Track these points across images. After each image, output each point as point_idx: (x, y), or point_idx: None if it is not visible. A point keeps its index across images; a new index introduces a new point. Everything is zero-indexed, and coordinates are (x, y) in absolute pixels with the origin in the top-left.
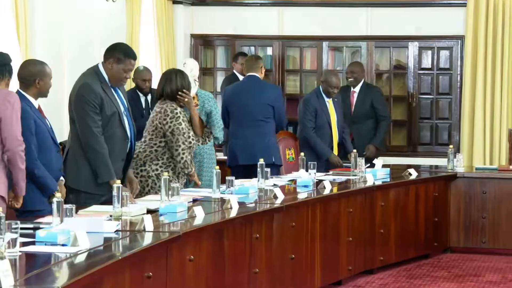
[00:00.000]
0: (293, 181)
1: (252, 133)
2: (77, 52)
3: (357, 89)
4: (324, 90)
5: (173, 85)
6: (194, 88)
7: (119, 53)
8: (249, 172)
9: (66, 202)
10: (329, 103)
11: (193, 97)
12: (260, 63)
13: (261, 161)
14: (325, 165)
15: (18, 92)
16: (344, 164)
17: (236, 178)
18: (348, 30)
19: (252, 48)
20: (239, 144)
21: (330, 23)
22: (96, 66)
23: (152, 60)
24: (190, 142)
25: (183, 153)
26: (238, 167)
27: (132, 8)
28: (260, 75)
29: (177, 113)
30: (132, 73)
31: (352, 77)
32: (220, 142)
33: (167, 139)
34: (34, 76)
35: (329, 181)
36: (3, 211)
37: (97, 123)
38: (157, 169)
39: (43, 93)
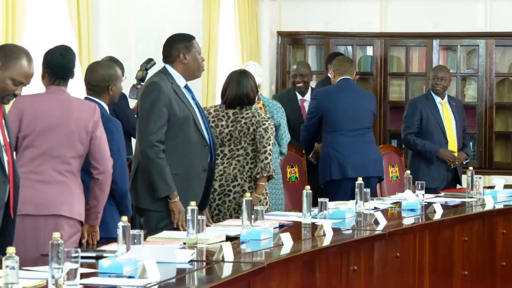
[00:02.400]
0: (397, 203)
1: (360, 143)
2: (145, 53)
3: (307, 97)
4: (430, 86)
5: (248, 87)
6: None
7: (182, 41)
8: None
9: (134, 226)
10: (443, 105)
11: (260, 107)
12: (354, 67)
13: (360, 180)
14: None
15: (88, 99)
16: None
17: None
18: (463, 26)
19: (349, 48)
20: (344, 154)
21: (442, 18)
22: (163, 68)
23: (233, 62)
24: None
25: (270, 154)
26: (343, 181)
27: (209, 2)
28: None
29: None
30: None
31: (302, 81)
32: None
33: (258, 135)
34: (107, 82)
35: (440, 204)
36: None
37: (156, 128)
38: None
39: (114, 98)
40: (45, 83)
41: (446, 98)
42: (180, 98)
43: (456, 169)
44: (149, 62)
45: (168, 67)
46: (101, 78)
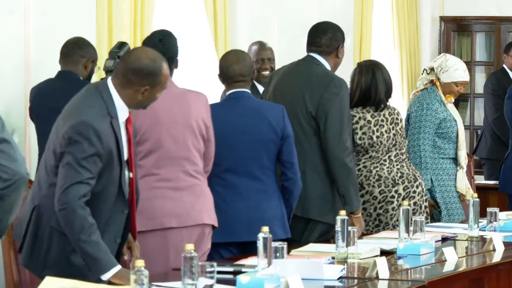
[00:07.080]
0: None
1: None
2: (288, 41)
3: None
4: None
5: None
6: None
7: (342, 33)
8: None
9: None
10: None
11: None
12: None
13: None
14: None
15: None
16: None
17: None
18: None
19: None
20: None
21: None
22: (315, 60)
23: (390, 51)
24: None
25: None
26: None
27: None
28: None
29: None
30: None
31: (271, 67)
32: None
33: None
34: (253, 68)
35: None
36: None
37: (347, 134)
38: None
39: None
40: None
41: None
42: None
43: None
44: (122, 47)
45: (320, 59)
46: (250, 66)
